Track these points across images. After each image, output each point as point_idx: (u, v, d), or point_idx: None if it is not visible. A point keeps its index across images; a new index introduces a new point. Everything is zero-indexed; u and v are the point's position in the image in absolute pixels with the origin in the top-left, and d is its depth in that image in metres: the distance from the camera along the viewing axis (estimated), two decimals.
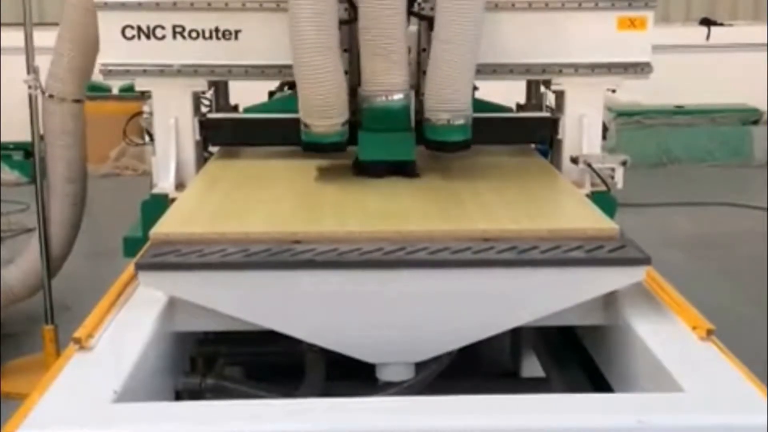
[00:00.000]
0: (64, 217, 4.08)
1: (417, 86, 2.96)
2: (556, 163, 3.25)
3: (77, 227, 4.17)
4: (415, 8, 2.94)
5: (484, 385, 2.74)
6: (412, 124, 2.89)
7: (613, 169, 3.08)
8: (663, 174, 9.00)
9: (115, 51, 3.11)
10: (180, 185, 3.13)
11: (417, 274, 2.23)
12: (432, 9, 2.90)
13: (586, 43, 3.09)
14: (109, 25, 3.10)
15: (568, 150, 3.18)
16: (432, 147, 2.93)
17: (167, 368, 2.30)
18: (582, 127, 3.17)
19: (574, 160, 3.12)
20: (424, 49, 2.99)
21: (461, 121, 2.83)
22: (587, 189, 3.09)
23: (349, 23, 2.89)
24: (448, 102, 2.80)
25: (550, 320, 2.31)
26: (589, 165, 3.08)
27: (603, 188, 3.08)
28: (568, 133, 3.19)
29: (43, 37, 4.16)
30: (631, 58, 3.11)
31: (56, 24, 3.89)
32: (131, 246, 3.01)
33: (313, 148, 2.90)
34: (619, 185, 3.08)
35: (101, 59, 3.14)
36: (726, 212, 7.48)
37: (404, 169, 2.92)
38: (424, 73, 2.92)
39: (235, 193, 2.81)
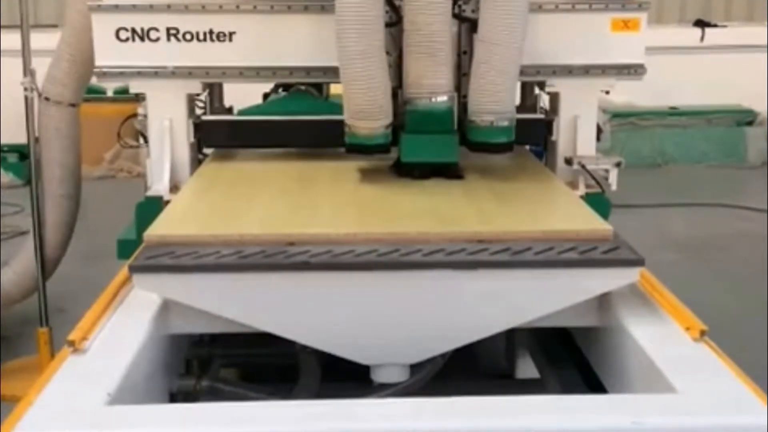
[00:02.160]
0: (58, 219, 4.08)
1: (458, 88, 2.95)
2: (551, 164, 3.26)
3: (71, 230, 4.16)
4: (456, 10, 2.91)
5: (479, 386, 2.75)
6: (455, 126, 2.89)
7: (607, 171, 3.08)
8: (658, 175, 9.02)
9: (109, 53, 3.09)
10: (174, 187, 3.12)
11: (411, 276, 2.23)
12: (473, 11, 2.92)
13: (579, 45, 3.09)
14: (103, 27, 3.08)
15: (562, 151, 3.19)
16: (475, 148, 2.92)
17: (162, 370, 2.29)
18: (576, 129, 3.17)
19: (569, 162, 3.13)
20: (464, 52, 2.98)
21: (505, 123, 2.84)
22: (581, 190, 3.09)
23: (390, 26, 2.86)
24: (493, 103, 2.81)
25: (545, 321, 2.32)
26: (584, 166, 3.08)
27: (597, 189, 3.09)
28: (563, 134, 3.19)
29: (38, 39, 4.15)
30: (624, 59, 3.11)
31: (51, 26, 3.89)
32: (125, 248, 3.00)
33: (358, 149, 2.88)
34: (613, 187, 3.09)
35: (96, 62, 3.13)
36: (721, 213, 7.50)
37: (447, 172, 2.91)
38: (464, 75, 2.93)
39: (229, 195, 2.81)
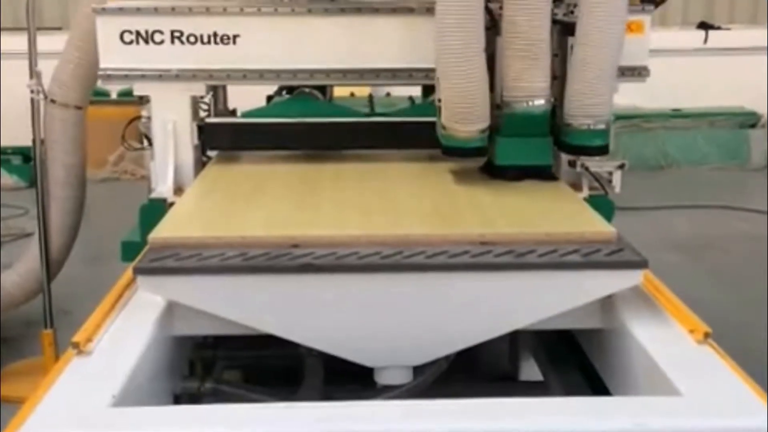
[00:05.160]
0: (62, 222, 4.08)
1: None
2: (554, 166, 3.22)
3: (75, 232, 4.17)
4: None
5: (482, 388, 2.75)
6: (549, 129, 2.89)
7: (610, 173, 3.09)
8: (661, 177, 9.00)
9: (113, 56, 3.12)
10: (178, 190, 3.13)
11: (415, 278, 2.23)
12: (565, 14, 2.95)
13: None
14: (107, 30, 3.10)
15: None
16: (571, 151, 2.96)
17: (166, 372, 2.30)
18: None
19: (572, 164, 3.13)
20: (555, 55, 2.95)
21: (602, 126, 2.84)
22: (585, 193, 3.10)
23: (485, 30, 2.82)
24: (590, 107, 2.81)
25: (548, 324, 2.32)
26: (587, 168, 3.08)
27: (601, 192, 3.09)
28: None
29: (41, 42, 4.15)
30: (628, 62, 3.08)
31: (55, 29, 3.89)
32: (129, 250, 3.00)
33: (456, 153, 2.89)
34: (617, 189, 3.09)
35: (100, 64, 3.15)
36: (724, 215, 7.48)
37: (539, 174, 2.93)
38: (555, 78, 2.91)
39: (233, 197, 2.81)
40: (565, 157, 3.17)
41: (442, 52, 2.73)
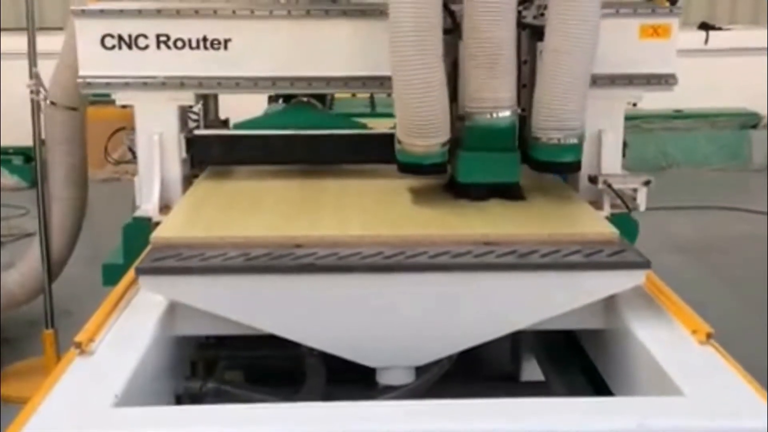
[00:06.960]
0: (64, 222, 4.08)
1: (517, 100, 2.68)
2: (573, 182, 3.03)
3: (77, 233, 4.17)
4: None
5: (484, 388, 2.74)
6: (517, 142, 2.67)
7: (635, 190, 2.87)
8: (662, 178, 8.96)
9: (94, 62, 2.89)
10: (165, 207, 2.90)
11: (417, 278, 2.23)
12: (534, 17, 2.75)
13: (605, 53, 2.70)
14: (87, 34, 2.87)
15: (585, 168, 2.89)
16: (539, 168, 2.72)
17: (168, 372, 2.30)
18: (600, 144, 2.95)
19: (593, 180, 2.92)
20: (525, 61, 2.73)
21: (574, 141, 2.62)
22: (606, 211, 2.89)
23: (445, 33, 2.58)
24: (561, 119, 2.59)
25: (551, 324, 2.32)
26: (609, 185, 2.87)
27: (623, 210, 2.88)
28: (585, 150, 2.78)
29: (42, 42, 4.16)
30: (654, 69, 2.92)
31: (55, 29, 3.88)
32: (111, 274, 2.81)
33: (412, 169, 2.66)
34: (642, 207, 2.85)
35: (79, 71, 2.92)
36: (725, 216, 7.49)
37: (507, 192, 2.71)
38: (524, 86, 2.71)
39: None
40: (584, 173, 2.94)
41: (396, 60, 2.49)
